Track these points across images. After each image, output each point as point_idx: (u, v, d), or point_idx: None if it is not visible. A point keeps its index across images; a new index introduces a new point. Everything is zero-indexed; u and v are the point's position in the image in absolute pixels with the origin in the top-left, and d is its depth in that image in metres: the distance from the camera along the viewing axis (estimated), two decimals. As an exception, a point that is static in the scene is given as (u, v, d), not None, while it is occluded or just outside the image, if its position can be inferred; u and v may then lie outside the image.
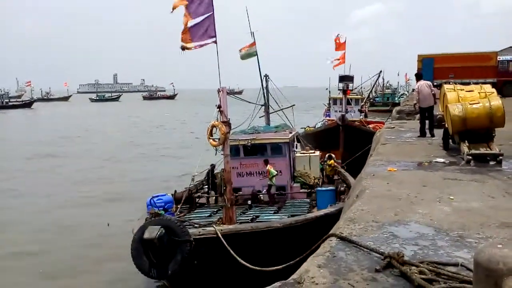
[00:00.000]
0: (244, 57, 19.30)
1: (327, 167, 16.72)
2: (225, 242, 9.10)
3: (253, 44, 19.25)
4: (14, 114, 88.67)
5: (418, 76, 15.29)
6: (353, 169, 15.92)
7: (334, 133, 24.36)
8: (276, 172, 14.39)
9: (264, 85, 20.55)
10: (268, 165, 14.39)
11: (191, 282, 9.91)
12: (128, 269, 10.69)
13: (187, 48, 10.91)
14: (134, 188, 22.85)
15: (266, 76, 20.78)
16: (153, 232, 8.48)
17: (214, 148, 11.46)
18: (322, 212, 11.94)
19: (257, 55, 19.47)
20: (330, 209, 12.02)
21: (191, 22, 10.76)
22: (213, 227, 9.74)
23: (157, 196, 12.94)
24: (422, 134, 14.58)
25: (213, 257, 9.40)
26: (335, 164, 18.28)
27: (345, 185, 15.26)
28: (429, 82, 14.66)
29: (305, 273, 4.30)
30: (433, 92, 14.27)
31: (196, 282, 9.97)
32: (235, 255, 8.93)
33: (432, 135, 14.26)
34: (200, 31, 10.94)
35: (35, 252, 14.43)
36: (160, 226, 8.61)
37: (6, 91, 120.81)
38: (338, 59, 31.76)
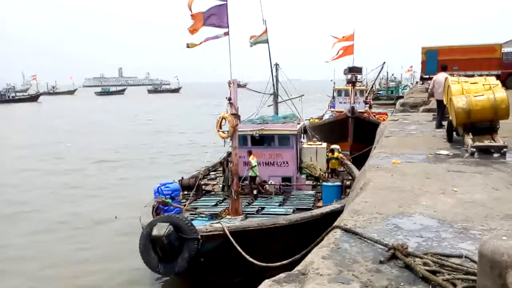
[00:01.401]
0: (254, 43, 19.18)
1: (333, 160, 16.41)
2: (232, 239, 9.16)
3: (265, 31, 19.15)
4: (20, 108, 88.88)
5: (443, 68, 15.05)
6: (361, 162, 15.86)
7: (342, 124, 24.25)
8: (256, 163, 14.33)
9: (274, 74, 20.42)
10: (251, 156, 14.33)
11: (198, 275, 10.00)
12: (136, 263, 10.77)
13: (194, 45, 10.95)
14: (140, 178, 22.94)
15: (276, 65, 20.64)
16: (161, 229, 8.59)
17: (223, 140, 11.54)
18: (328, 208, 11.94)
19: (268, 43, 19.38)
20: (335, 205, 12.02)
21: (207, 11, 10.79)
22: (220, 223, 9.81)
23: (164, 184, 13.02)
24: (439, 126, 14.17)
25: (219, 252, 9.46)
26: (342, 156, 18.22)
27: (350, 177, 15.22)
28: (447, 75, 14.32)
29: (309, 265, 4.33)
30: None
31: (203, 276, 10.05)
32: (242, 252, 8.99)
33: (439, 127, 14.06)
34: (214, 18, 10.97)
35: (40, 249, 14.39)
36: (168, 224, 8.70)
37: (12, 85, 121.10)
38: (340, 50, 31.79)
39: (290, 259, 6.77)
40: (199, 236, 8.89)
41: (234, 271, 9.88)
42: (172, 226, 8.67)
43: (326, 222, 10.47)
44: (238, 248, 9.01)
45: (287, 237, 10.37)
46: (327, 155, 17.16)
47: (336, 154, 16.48)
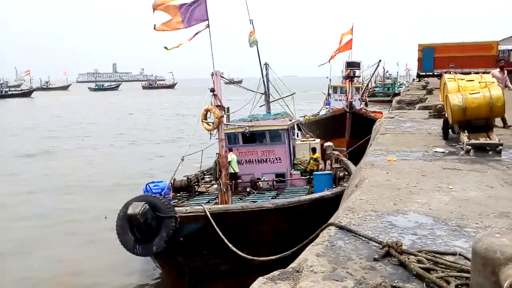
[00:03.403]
0: (251, 44, 19.16)
1: (311, 161, 15.70)
2: (213, 222, 8.98)
3: (252, 33, 19.12)
4: (11, 103, 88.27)
5: (499, 62, 14.60)
6: (357, 159, 15.71)
7: (340, 120, 24.11)
8: (233, 158, 13.96)
9: (264, 73, 20.40)
10: (230, 153, 13.96)
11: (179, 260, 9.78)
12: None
13: (182, 44, 10.80)
14: (130, 177, 22.71)
15: (266, 64, 20.62)
16: (136, 208, 8.43)
17: (209, 132, 11.36)
18: (317, 194, 11.86)
19: (257, 43, 19.33)
20: (326, 193, 11.95)
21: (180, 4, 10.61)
22: (202, 205, 9.61)
23: (154, 182, 12.85)
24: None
25: (203, 235, 9.28)
26: (337, 153, 18.08)
27: (346, 172, 15.17)
28: (495, 72, 13.64)
29: (303, 262, 4.32)
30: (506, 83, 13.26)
31: (187, 263, 9.85)
32: (223, 236, 8.81)
33: (505, 126, 13.11)
34: (193, 14, 10.76)
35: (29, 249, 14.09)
36: (144, 202, 8.56)
37: (5, 80, 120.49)
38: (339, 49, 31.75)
39: (278, 255, 6.69)
40: (177, 215, 8.73)
41: (222, 257, 9.68)
42: (148, 205, 8.52)
43: (316, 208, 10.35)
44: (218, 230, 8.85)
45: (275, 222, 10.23)
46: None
47: (316, 155, 15.81)
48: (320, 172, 14.08)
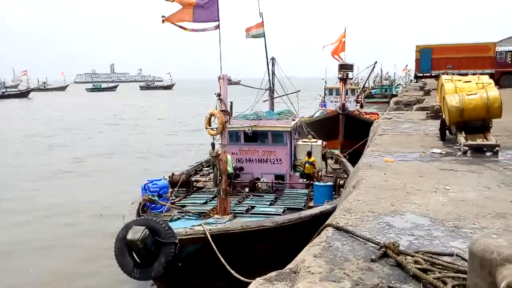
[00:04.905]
0: (251, 36, 18.95)
1: (307, 165, 15.31)
2: (213, 244, 8.96)
3: (261, 24, 18.90)
4: (7, 104, 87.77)
5: None
6: (354, 159, 15.63)
7: (333, 122, 24.15)
8: (228, 158, 13.74)
9: (271, 68, 20.14)
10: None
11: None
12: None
13: (183, 28, 10.65)
14: (130, 176, 22.61)
15: (272, 59, 20.38)
16: (136, 233, 8.32)
17: (212, 137, 11.28)
18: (317, 210, 11.74)
19: (264, 36, 19.14)
20: (326, 206, 11.85)
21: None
22: (202, 226, 9.57)
23: (152, 181, 12.75)
24: None
25: (202, 254, 9.28)
26: (338, 154, 17.93)
27: (346, 176, 15.09)
28: None
29: (301, 263, 4.32)
30: None
31: (184, 280, 9.86)
32: (224, 261, 8.78)
33: None
34: (204, 12, 10.66)
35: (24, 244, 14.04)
36: (144, 227, 8.50)
37: (2, 80, 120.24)
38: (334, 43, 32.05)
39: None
40: (177, 241, 8.70)
41: (219, 274, 9.69)
42: (148, 230, 8.43)
43: (316, 223, 10.30)
44: (219, 254, 8.82)
45: (275, 240, 10.17)
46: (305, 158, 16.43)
47: (312, 158, 15.42)
48: (321, 184, 13.95)
